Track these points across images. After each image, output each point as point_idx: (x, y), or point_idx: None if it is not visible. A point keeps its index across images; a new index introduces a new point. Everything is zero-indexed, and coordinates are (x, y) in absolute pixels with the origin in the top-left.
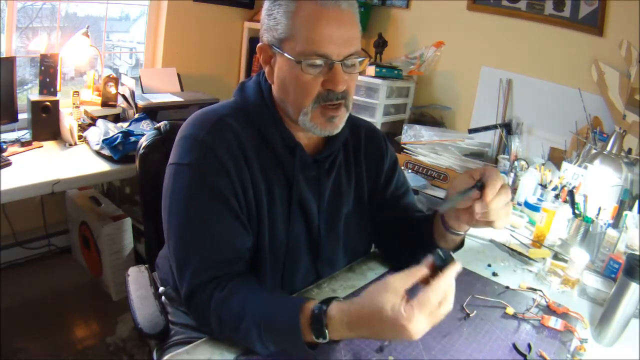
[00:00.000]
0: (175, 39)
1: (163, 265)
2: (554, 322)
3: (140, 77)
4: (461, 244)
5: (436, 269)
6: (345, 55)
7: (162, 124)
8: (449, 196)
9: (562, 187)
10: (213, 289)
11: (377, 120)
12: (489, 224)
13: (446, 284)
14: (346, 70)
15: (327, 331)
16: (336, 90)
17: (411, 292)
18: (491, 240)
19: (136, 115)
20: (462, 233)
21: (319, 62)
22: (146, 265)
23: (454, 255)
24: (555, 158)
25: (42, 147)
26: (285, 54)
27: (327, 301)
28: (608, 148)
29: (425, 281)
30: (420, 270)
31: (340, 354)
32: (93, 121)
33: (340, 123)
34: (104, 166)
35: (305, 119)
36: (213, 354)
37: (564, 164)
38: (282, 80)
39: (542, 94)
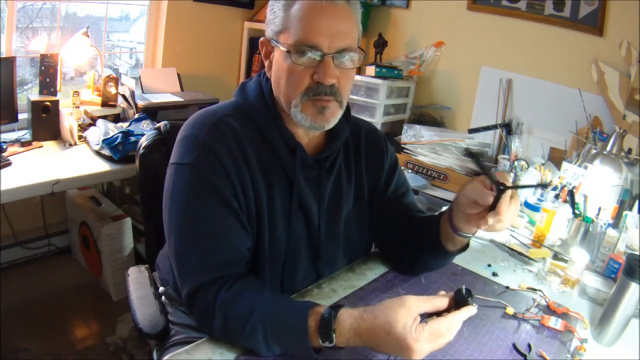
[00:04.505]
0: (175, 39)
1: (163, 265)
2: (554, 322)
3: (140, 77)
4: (466, 246)
5: (454, 304)
6: (337, 49)
7: (162, 124)
8: (455, 201)
9: (562, 187)
10: (218, 289)
11: (377, 120)
12: (494, 228)
13: (459, 320)
14: (338, 65)
15: (334, 335)
16: (324, 84)
17: (422, 316)
18: (491, 240)
19: (136, 115)
20: (469, 235)
21: (308, 53)
22: (146, 265)
23: (458, 257)
24: (555, 158)
25: (42, 147)
26: (279, 46)
27: (336, 307)
28: (608, 148)
29: (439, 312)
30: (441, 301)
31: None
32: (93, 121)
33: (332, 117)
34: (104, 166)
35: (296, 111)
36: (213, 354)
37: (564, 164)
38: (276, 72)
39: (542, 94)
